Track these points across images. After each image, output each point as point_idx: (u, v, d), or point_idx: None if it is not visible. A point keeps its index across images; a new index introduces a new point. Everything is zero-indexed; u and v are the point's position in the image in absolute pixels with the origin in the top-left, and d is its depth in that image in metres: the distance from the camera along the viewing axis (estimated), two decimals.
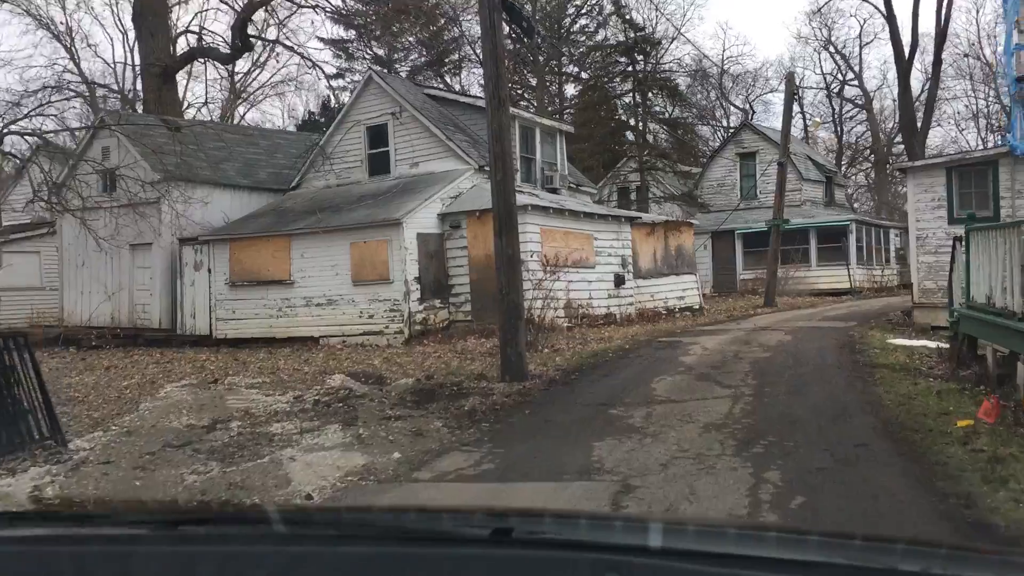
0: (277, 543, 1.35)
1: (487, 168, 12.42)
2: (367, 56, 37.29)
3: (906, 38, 33.51)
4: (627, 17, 35.64)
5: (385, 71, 27.45)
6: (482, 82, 18.75)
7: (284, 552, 1.31)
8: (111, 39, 74.82)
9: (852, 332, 14.54)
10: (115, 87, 39.99)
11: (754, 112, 47.03)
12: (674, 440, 6.72)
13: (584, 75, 39.26)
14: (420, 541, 1.34)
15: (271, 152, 22.30)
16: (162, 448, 7.14)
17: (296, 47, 27.82)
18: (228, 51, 25.01)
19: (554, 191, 19.73)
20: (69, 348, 18.05)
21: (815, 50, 58.05)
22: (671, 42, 39.34)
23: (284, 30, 26.49)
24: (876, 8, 38.51)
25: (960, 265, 10.25)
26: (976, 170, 15.38)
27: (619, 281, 18.15)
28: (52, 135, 20.30)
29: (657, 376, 10.20)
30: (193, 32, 29.04)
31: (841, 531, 2.57)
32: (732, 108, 49.46)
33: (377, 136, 19.21)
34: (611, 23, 37.11)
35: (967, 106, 47.63)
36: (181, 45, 30.30)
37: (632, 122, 36.05)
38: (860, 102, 48.78)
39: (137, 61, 29.50)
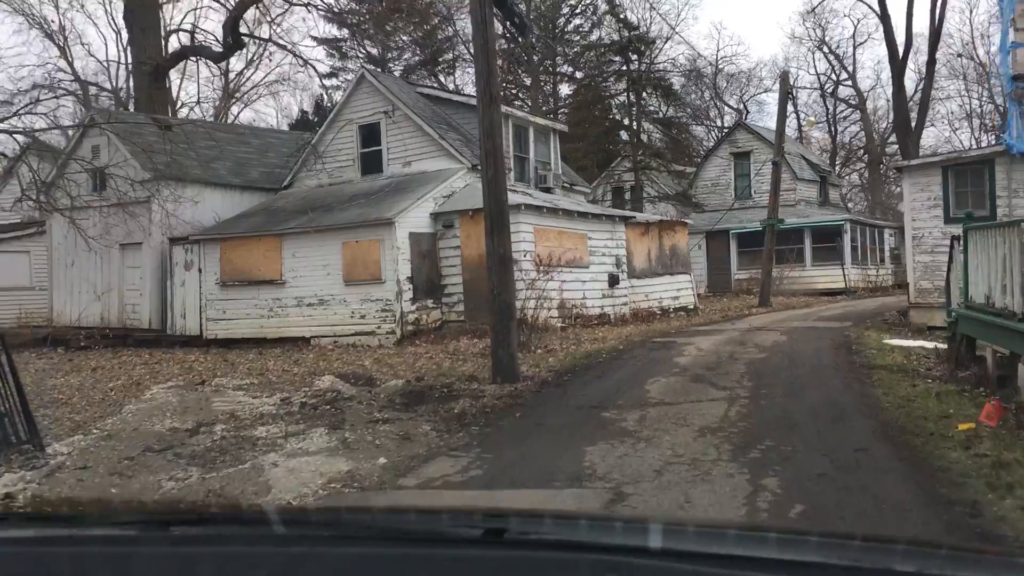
0: (275, 543, 1.34)
1: (480, 167, 12.24)
2: (360, 55, 37.11)
3: (900, 38, 33.58)
4: (621, 16, 35.61)
5: (378, 70, 27.23)
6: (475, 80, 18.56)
7: (282, 552, 1.31)
8: (104, 38, 74.97)
9: (848, 332, 14.41)
10: (109, 86, 39.79)
11: (748, 112, 47.04)
12: (668, 444, 6.55)
13: (578, 75, 39.18)
14: (419, 542, 1.33)
15: (263, 151, 22.09)
16: (142, 453, 6.94)
17: (288, 45, 27.65)
18: (220, 49, 24.78)
19: (548, 191, 19.57)
20: (57, 349, 17.84)
21: (809, 50, 58.31)
22: (665, 42, 39.33)
23: (277, 28, 26.22)
24: (870, 8, 38.55)
25: (958, 265, 10.11)
26: (972, 169, 15.27)
27: (613, 281, 18.00)
28: (42, 134, 20.03)
29: (651, 377, 10.03)
30: (185, 30, 28.96)
31: (841, 531, 2.51)
32: (726, 108, 49.51)
33: (370, 135, 19.03)
34: (605, 22, 37.06)
35: (961, 106, 47.51)
36: (173, 43, 30.14)
37: (626, 122, 35.95)
38: (854, 102, 48.73)
39: (130, 60, 29.28)
